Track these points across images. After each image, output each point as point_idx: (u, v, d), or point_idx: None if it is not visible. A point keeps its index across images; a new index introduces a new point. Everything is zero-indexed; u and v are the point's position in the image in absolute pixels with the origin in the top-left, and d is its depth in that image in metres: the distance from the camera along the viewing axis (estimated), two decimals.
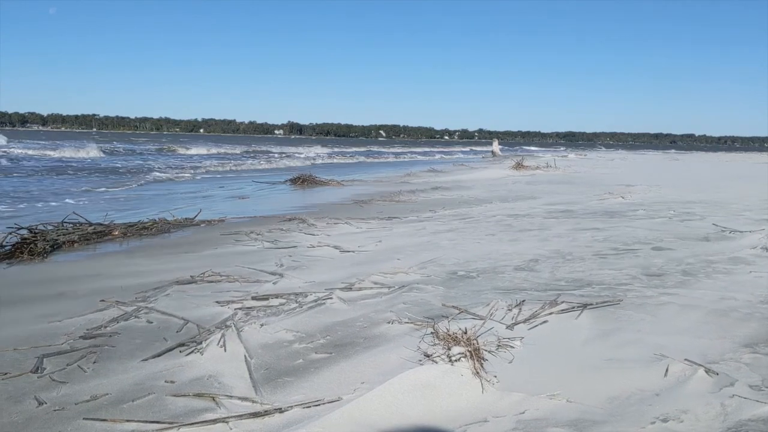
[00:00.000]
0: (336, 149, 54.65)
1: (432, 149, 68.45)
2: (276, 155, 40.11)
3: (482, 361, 3.03)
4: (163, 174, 20.90)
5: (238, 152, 43.71)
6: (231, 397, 2.95)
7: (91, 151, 34.41)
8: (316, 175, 17.70)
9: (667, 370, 3.14)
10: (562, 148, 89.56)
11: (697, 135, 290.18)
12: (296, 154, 40.95)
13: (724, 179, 18.20)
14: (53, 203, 11.47)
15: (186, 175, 21.11)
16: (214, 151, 44.43)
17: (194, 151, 43.12)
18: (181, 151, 43.32)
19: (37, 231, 6.99)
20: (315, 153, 44.20)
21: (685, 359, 3.24)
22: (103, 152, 35.44)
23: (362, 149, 59.23)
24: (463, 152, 60.93)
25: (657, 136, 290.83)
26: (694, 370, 3.10)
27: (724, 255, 6.22)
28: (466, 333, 3.17)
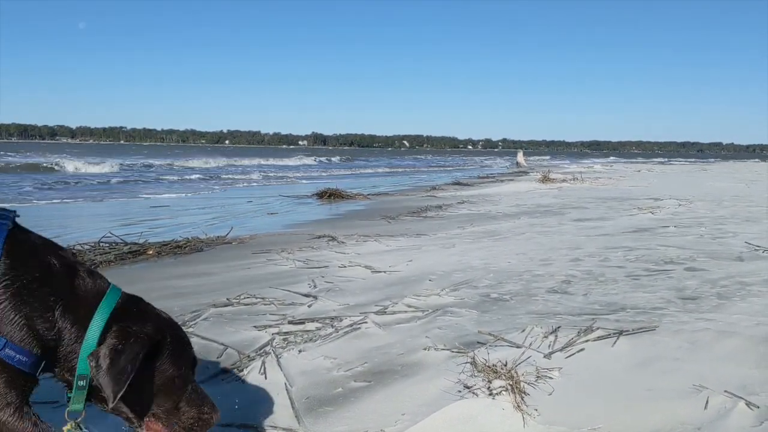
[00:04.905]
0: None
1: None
2: None
3: (523, 394, 3.06)
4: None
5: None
6: (275, 427, 3.02)
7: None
8: (342, 189, 17.83)
9: (707, 402, 3.14)
10: (588, 159, 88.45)
11: (724, 143, 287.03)
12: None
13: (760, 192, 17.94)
14: None
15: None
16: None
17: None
18: None
19: (75, 252, 7.15)
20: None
21: (725, 390, 3.24)
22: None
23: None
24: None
25: (684, 144, 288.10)
26: (734, 403, 3.10)
27: (759, 276, 6.15)
28: (506, 365, 3.20)
